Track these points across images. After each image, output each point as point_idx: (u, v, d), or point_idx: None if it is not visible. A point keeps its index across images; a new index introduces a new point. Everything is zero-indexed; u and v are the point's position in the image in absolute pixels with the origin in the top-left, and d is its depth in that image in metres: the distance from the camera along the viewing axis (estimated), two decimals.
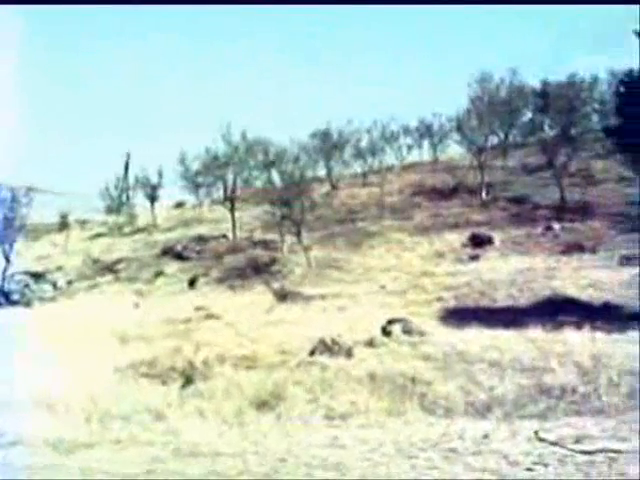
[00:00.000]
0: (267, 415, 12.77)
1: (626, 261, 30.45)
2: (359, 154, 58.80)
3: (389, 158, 60.49)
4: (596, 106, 52.00)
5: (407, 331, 18.92)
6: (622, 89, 24.13)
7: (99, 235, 57.17)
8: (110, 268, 45.78)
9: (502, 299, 27.60)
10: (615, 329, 17.80)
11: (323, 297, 30.34)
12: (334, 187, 55.86)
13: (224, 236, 48.00)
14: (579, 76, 51.42)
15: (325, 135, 57.50)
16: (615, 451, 8.56)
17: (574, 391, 11.51)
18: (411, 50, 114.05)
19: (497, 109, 53.96)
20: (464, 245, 38.79)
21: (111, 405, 13.53)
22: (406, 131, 60.38)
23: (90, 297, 37.86)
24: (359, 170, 59.01)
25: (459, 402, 12.28)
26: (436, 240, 39.91)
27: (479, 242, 38.62)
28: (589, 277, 28.23)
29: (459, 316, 24.30)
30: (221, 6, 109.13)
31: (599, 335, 16.41)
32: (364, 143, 58.91)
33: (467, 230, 40.66)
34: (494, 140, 55.91)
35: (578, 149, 47.35)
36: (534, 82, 54.10)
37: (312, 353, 17.03)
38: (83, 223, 62.00)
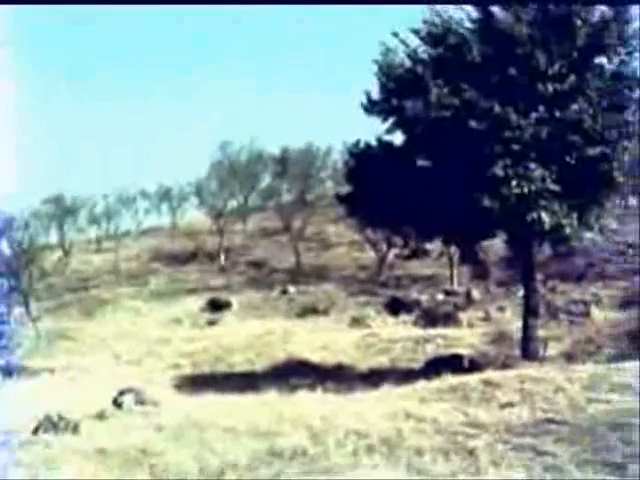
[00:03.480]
0: None
1: (355, 323, 31.94)
2: (94, 219, 57.15)
3: (126, 223, 59.42)
4: (330, 173, 54.78)
5: (140, 401, 18.19)
6: (350, 158, 25.28)
7: None
8: None
9: (239, 364, 27.71)
10: (345, 389, 18.35)
11: (52, 370, 28.63)
12: (67, 254, 53.58)
13: None
14: (315, 144, 54.18)
15: (58, 200, 55.27)
16: None
17: (305, 453, 11.56)
18: (149, 115, 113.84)
19: (237, 174, 55.01)
20: (202, 310, 38.71)
21: None
22: (144, 195, 59.53)
23: None
24: (94, 235, 57.34)
25: (191, 469, 11.88)
26: (174, 306, 39.46)
27: (217, 307, 38.77)
28: (322, 339, 29.19)
29: (195, 383, 23.96)
30: None
31: (330, 396, 16.79)
32: (100, 208, 57.48)
33: (206, 295, 40.69)
34: (234, 204, 56.77)
35: (313, 214, 49.42)
36: (273, 149, 56.02)
37: (36, 431, 15.80)
38: None
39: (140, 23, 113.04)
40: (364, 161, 23.91)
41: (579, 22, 21.05)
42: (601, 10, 21.37)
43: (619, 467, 8.87)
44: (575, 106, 20.86)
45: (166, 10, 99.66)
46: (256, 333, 31.67)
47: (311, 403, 15.79)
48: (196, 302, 39.83)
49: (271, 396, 17.66)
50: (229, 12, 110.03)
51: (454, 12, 22.15)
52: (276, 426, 13.61)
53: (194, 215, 59.07)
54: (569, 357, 23.34)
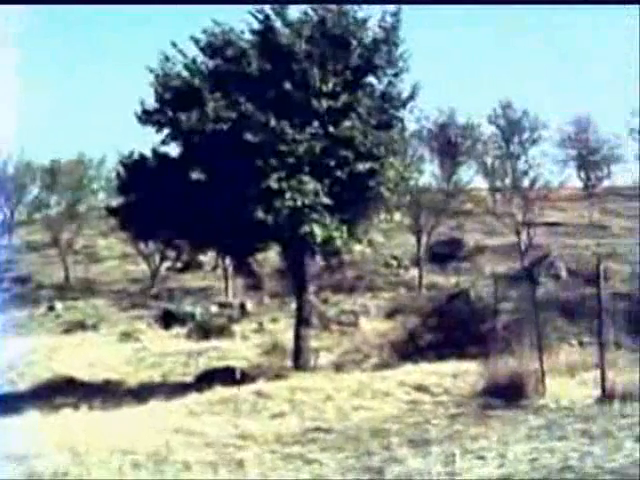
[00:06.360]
0: None
1: (126, 337, 31.08)
2: None
3: None
4: (103, 184, 53.26)
5: None
6: (122, 169, 24.39)
7: None
8: None
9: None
10: (112, 406, 17.63)
11: None
12: None
13: None
14: (88, 154, 52.59)
15: None
16: None
17: (66, 474, 10.93)
18: None
19: (3, 185, 52.39)
20: None
21: None
22: None
23: None
24: None
25: None
26: None
27: None
28: (90, 355, 28.13)
29: None
30: None
31: (96, 414, 16.04)
32: None
33: None
34: None
35: (84, 226, 47.82)
36: (43, 160, 53.85)
37: None
38: None
39: None
40: (137, 172, 23.18)
41: (354, 42, 21.81)
42: (374, 31, 22.27)
43: (378, 471, 9.14)
44: (347, 123, 21.48)
45: None
46: (19, 352, 29.83)
47: (75, 422, 14.98)
48: None
49: (32, 417, 16.61)
50: None
51: (235, 23, 22.18)
52: (36, 449, 12.77)
53: None
54: (338, 366, 23.97)
